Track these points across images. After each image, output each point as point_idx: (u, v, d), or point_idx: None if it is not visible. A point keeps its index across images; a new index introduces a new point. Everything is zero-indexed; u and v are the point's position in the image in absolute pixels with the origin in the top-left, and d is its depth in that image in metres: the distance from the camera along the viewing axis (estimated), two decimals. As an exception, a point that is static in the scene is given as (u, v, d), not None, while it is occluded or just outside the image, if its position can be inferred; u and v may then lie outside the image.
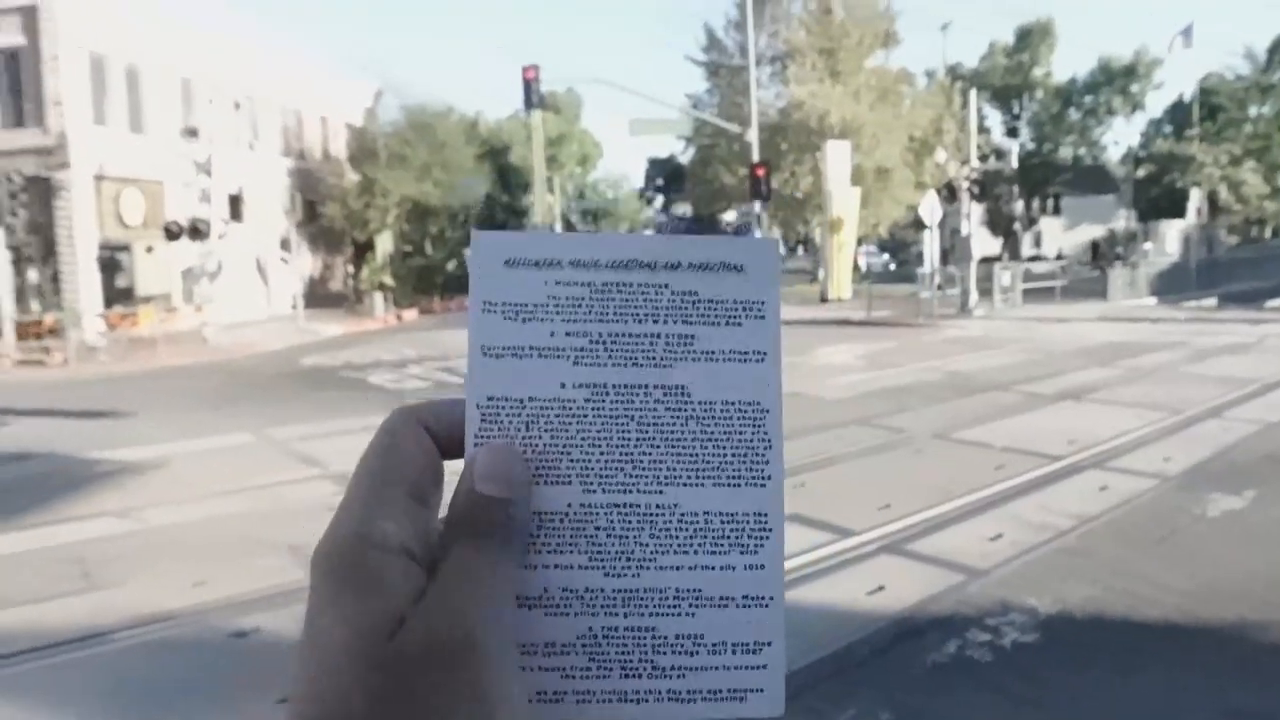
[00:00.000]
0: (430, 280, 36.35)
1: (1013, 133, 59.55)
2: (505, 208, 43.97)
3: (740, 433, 0.50)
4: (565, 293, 0.50)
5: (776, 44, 37.49)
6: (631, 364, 0.50)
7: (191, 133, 26.65)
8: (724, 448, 0.49)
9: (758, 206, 29.98)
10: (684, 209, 74.79)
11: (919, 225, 29.48)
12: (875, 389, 12.94)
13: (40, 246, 26.13)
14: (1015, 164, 48.18)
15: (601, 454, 0.49)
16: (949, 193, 25.42)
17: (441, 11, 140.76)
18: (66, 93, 25.58)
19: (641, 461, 0.49)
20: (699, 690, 0.48)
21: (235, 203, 28.53)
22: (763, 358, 0.51)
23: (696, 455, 0.49)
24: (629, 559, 0.48)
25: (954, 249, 26.35)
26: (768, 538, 0.49)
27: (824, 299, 29.03)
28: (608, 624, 0.48)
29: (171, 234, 25.28)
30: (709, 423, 0.50)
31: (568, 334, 0.50)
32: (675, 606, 0.48)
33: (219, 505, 7.93)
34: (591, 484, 0.49)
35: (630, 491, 0.49)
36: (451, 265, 36.40)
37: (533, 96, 27.92)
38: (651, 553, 0.49)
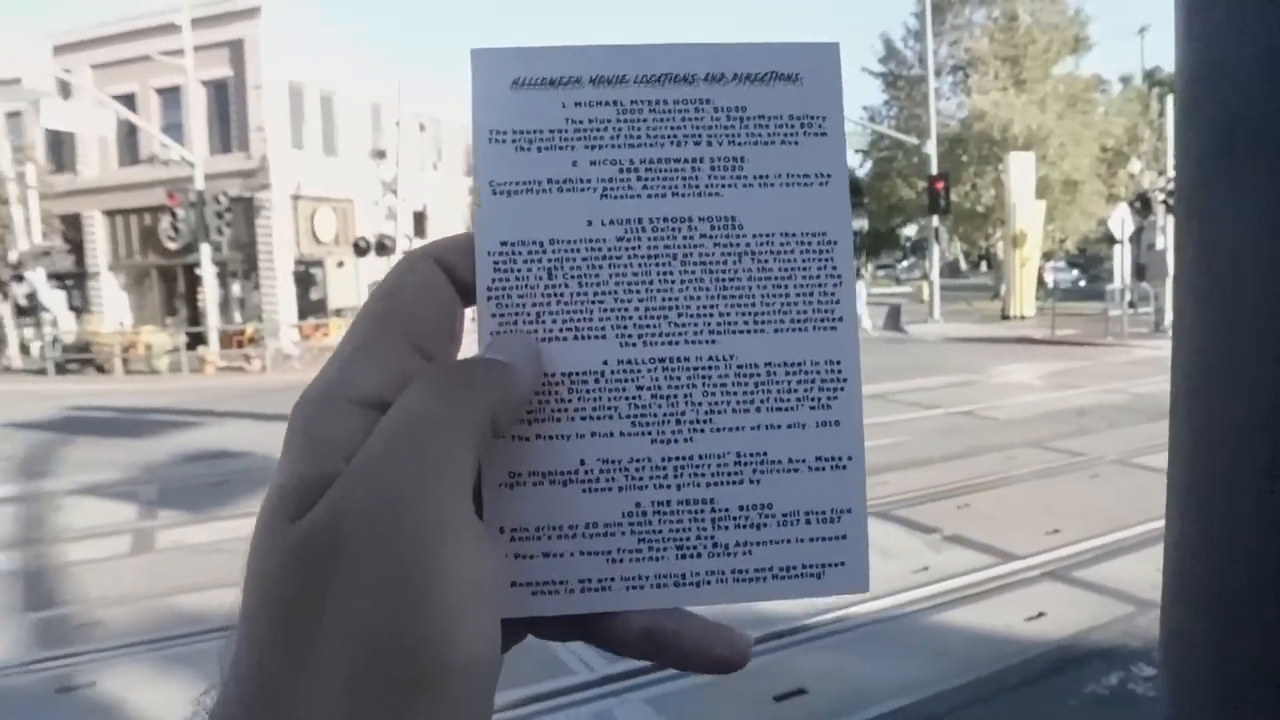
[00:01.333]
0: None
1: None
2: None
3: (804, 268, 0.43)
4: (587, 115, 0.43)
5: (958, 53, 36.38)
6: (671, 193, 0.43)
7: (380, 154, 28.30)
8: (785, 287, 0.43)
9: (936, 220, 29.17)
10: (860, 223, 73.64)
11: (1110, 240, 27.94)
12: (1054, 410, 12.35)
13: (243, 262, 28.32)
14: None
15: (641, 301, 0.42)
16: (1143, 205, 23.97)
17: (624, 31, 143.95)
18: (268, 119, 27.68)
19: (689, 308, 0.43)
20: (769, 568, 0.43)
21: (419, 220, 30.03)
22: (827, 180, 0.44)
23: (754, 296, 0.43)
24: (679, 421, 0.42)
25: (1148, 265, 24.81)
26: (842, 389, 0.44)
27: (1005, 316, 27.90)
28: (658, 498, 0.42)
29: (360, 250, 26.84)
30: (766, 258, 0.43)
31: (592, 163, 0.43)
32: (737, 474, 0.42)
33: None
34: (631, 336, 0.42)
35: (677, 343, 0.42)
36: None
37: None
38: (706, 413, 0.42)
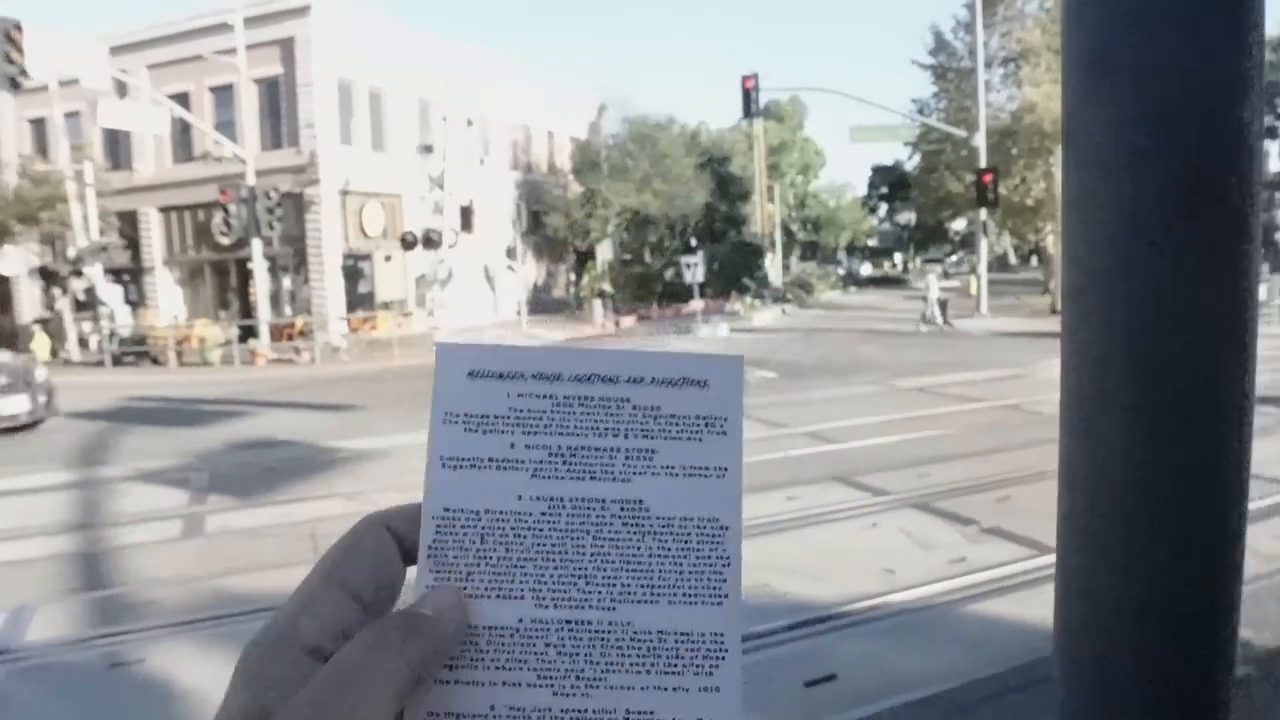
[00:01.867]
0: (648, 288, 37.17)
1: (1271, 133, 54.20)
2: (724, 217, 44.30)
3: (698, 549, 0.49)
4: (526, 405, 0.50)
5: (1009, 44, 35.79)
6: (590, 477, 0.49)
7: (427, 149, 28.57)
8: (681, 564, 0.48)
9: (984, 214, 28.82)
10: (908, 217, 72.84)
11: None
12: (1101, 404, 12.16)
13: (293, 256, 28.76)
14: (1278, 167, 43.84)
15: (555, 568, 0.48)
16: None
17: (665, 26, 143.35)
18: (318, 116, 28.06)
19: (595, 577, 0.48)
20: None
21: (466, 214, 30.31)
22: (724, 473, 0.50)
23: (652, 571, 0.48)
24: (579, 677, 0.47)
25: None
26: (724, 658, 0.47)
27: (1054, 311, 27.46)
28: None
29: (407, 244, 27.14)
30: (666, 538, 0.49)
31: (527, 446, 0.49)
32: None
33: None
34: (544, 599, 0.47)
35: (583, 607, 0.47)
36: (669, 274, 37.06)
37: (752, 105, 28.09)
38: (602, 671, 0.47)
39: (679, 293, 34.38)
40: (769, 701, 4.29)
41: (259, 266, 25.36)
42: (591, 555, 0.48)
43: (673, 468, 0.50)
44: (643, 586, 0.48)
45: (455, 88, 29.06)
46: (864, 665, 4.59)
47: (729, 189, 44.33)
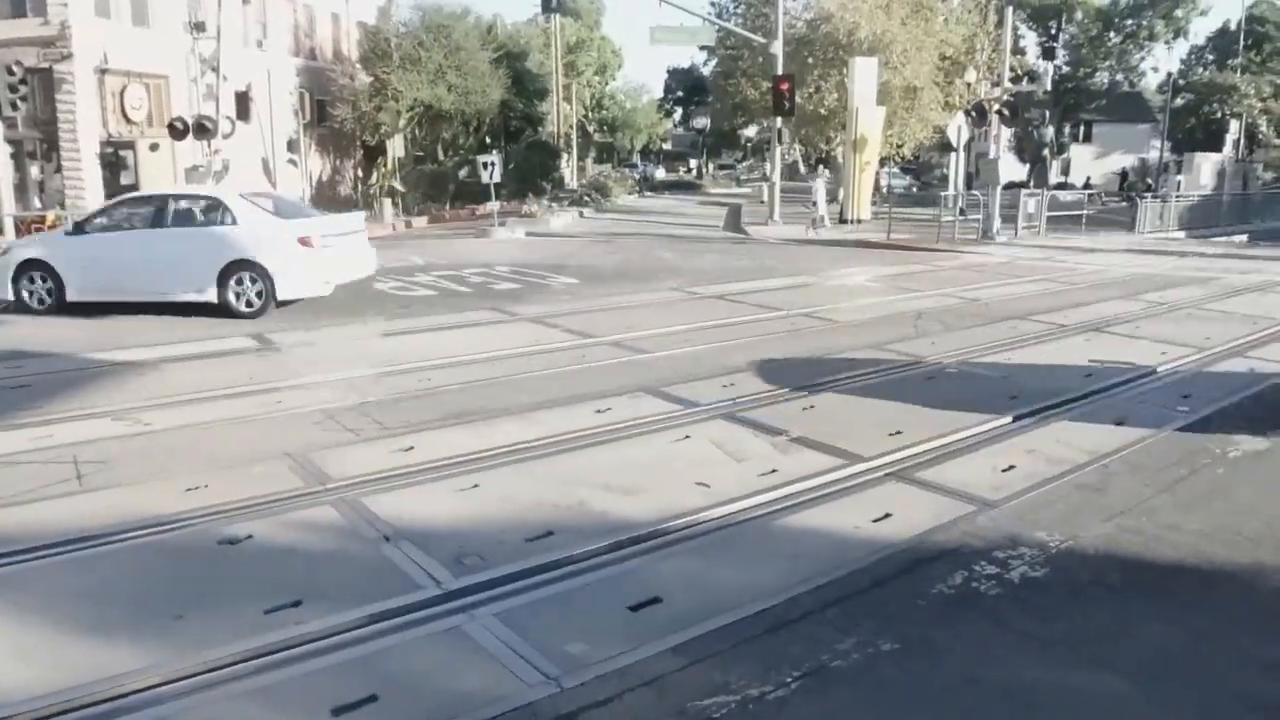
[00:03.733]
0: (441, 187, 35.86)
1: (1048, 54, 57.98)
2: (521, 115, 43.10)
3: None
4: None
5: (808, -49, 36.16)
6: None
7: (198, 27, 25.97)
8: None
9: (779, 122, 29.27)
10: (703, 122, 73.48)
11: (945, 147, 28.78)
12: (891, 313, 12.67)
13: (42, 141, 25.76)
14: (1049, 87, 46.92)
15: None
16: (978, 115, 24.69)
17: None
18: (69, -21, 24.93)
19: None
20: None
21: (243, 101, 27.95)
22: None
23: None
24: None
25: (979, 173, 25.72)
26: None
27: (843, 219, 28.51)
28: None
29: (177, 131, 24.79)
30: None
31: None
32: None
33: (215, 410, 7.78)
34: None
35: None
36: (464, 173, 35.84)
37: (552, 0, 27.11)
38: None
39: (473, 193, 33.28)
40: (593, 626, 4.13)
41: (0, 151, 22.56)
42: None
43: None
44: None
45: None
46: (686, 585, 4.50)
47: (526, 86, 43.05)
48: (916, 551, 4.90)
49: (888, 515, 5.34)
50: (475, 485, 5.80)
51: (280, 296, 12.46)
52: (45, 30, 24.87)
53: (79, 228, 13.45)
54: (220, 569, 4.75)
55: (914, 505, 5.53)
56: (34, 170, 26.15)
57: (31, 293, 12.86)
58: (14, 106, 21.47)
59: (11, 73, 21.17)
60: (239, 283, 12.35)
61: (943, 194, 26.44)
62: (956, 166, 27.66)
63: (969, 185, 28.21)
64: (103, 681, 3.65)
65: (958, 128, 25.60)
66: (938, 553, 4.88)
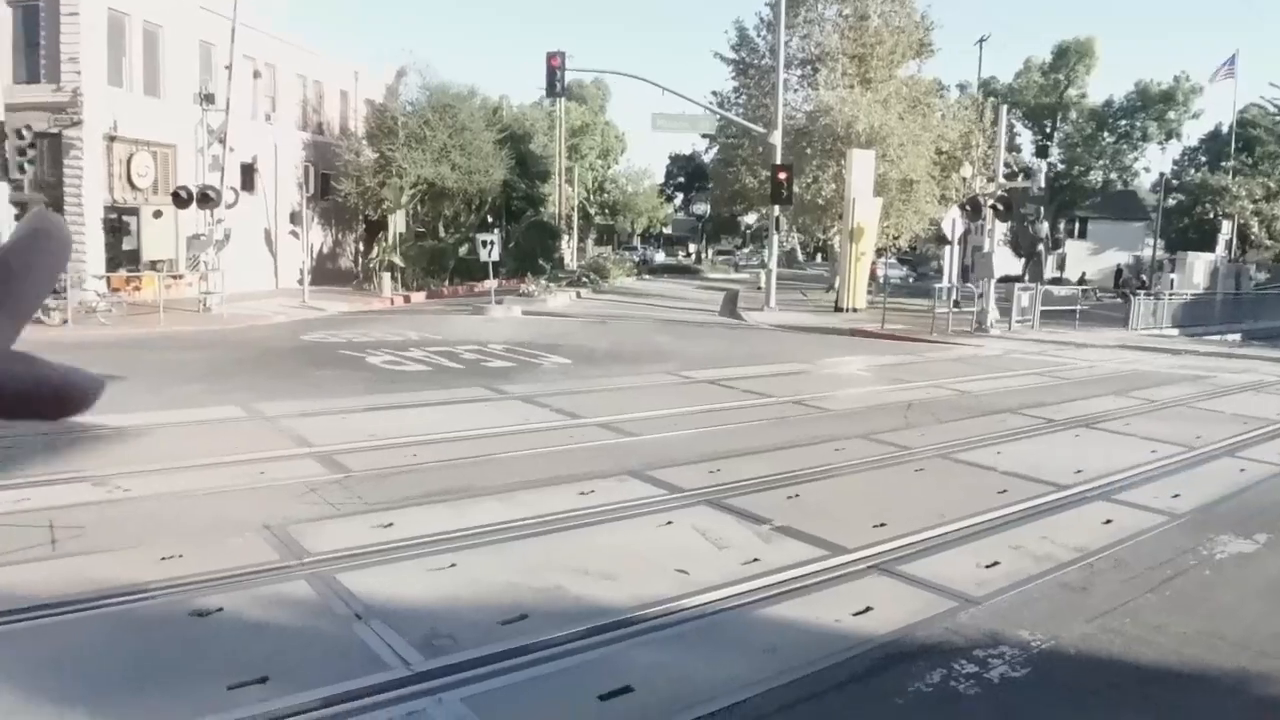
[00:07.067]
0: (440, 263, 36.14)
1: (1043, 152, 59.15)
2: (523, 196, 43.71)
3: None
4: None
5: (809, 46, 37.12)
6: None
7: (208, 99, 26.44)
8: None
9: (777, 210, 29.69)
10: (703, 208, 74.46)
11: (941, 240, 29.13)
12: (882, 403, 12.68)
13: (47, 204, 26.06)
14: (1043, 184, 47.67)
15: None
16: (973, 209, 25.06)
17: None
18: (84, 50, 25.47)
19: None
20: None
21: (248, 172, 28.38)
22: None
23: None
24: None
25: (974, 266, 25.97)
26: None
27: (838, 308, 28.73)
28: None
29: (181, 200, 25.07)
30: None
31: None
32: None
33: (197, 479, 7.73)
34: None
35: None
36: (464, 250, 36.16)
37: (556, 84, 27.72)
38: None
39: (472, 270, 33.55)
40: (561, 715, 4.05)
41: (5, 213, 22.78)
42: None
43: None
44: None
45: (243, 34, 27.02)
46: (659, 674, 4.42)
47: (529, 167, 43.74)
48: (896, 647, 4.83)
49: (868, 609, 5.28)
50: (452, 564, 5.74)
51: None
52: (58, 96, 25.34)
53: None
54: (188, 641, 4.67)
55: (896, 599, 5.46)
56: (37, 233, 26.37)
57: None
58: (21, 169, 21.82)
59: (21, 136, 21.55)
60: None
61: (937, 285, 26.71)
62: (951, 259, 27.97)
63: (964, 278, 28.44)
64: (54, 758, 3.55)
65: (953, 221, 25.95)
66: (918, 649, 4.80)
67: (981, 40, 59.57)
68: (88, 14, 25.48)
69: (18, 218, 24.17)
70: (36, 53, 25.83)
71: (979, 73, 53.25)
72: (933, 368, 16.89)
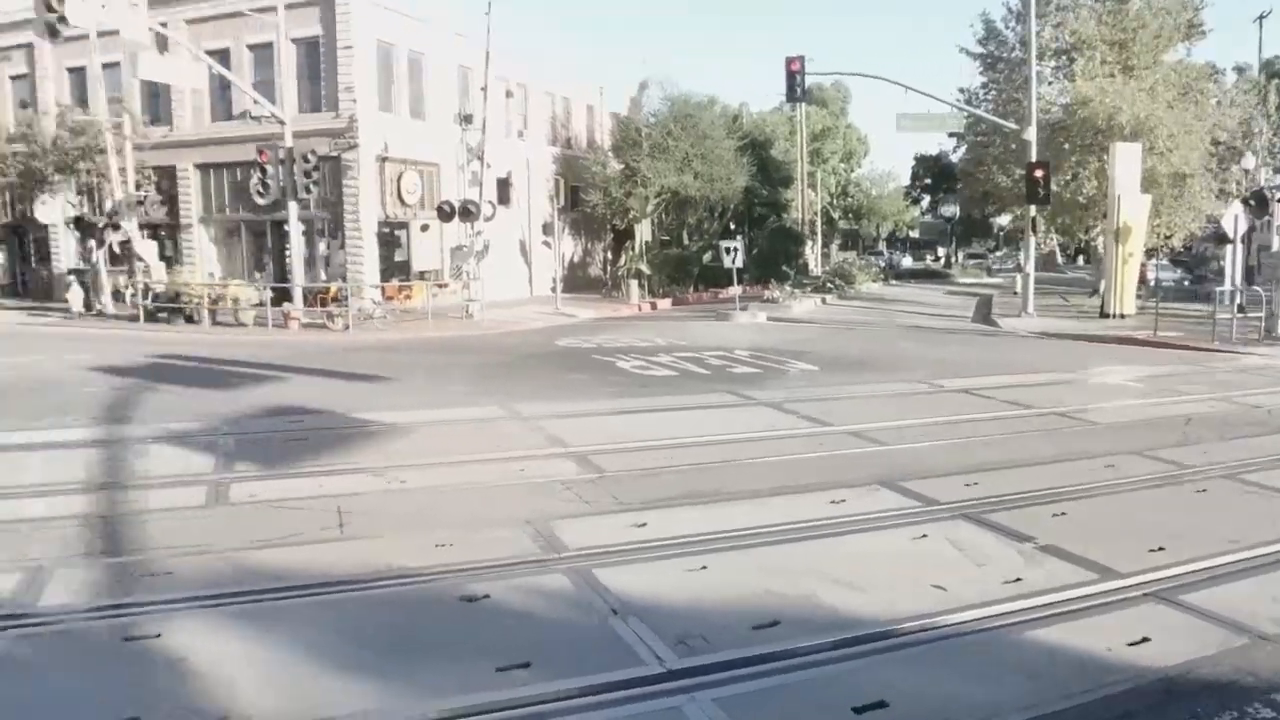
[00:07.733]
0: (685, 270, 36.80)
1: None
2: (765, 202, 43.75)
3: None
4: None
5: (1062, 35, 34.84)
6: None
7: (466, 119, 28.25)
8: None
9: (1033, 210, 28.14)
10: (952, 210, 71.73)
11: (1220, 239, 26.63)
12: (1154, 416, 11.73)
13: (329, 221, 28.65)
14: (1342, 173, 42.63)
15: None
16: (1258, 203, 22.75)
17: (709, 4, 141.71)
18: (357, 79, 27.86)
19: None
20: None
21: (503, 187, 30.02)
22: None
23: None
24: None
25: (1261, 267, 23.57)
26: None
27: (1104, 314, 26.84)
28: None
29: (444, 214, 26.91)
30: None
31: None
32: None
33: (464, 473, 8.26)
34: None
35: None
36: (707, 257, 36.64)
37: (796, 89, 27.52)
38: None
39: (716, 276, 33.95)
40: (814, 726, 4.01)
41: (294, 229, 25.25)
42: None
43: None
44: None
45: (496, 57, 28.65)
46: (915, 692, 4.28)
47: (770, 173, 43.72)
48: (1178, 683, 4.44)
49: (1145, 639, 4.88)
50: (704, 566, 5.81)
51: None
52: (336, 123, 27.85)
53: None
54: (459, 624, 4.99)
55: (1176, 631, 5.03)
56: (320, 246, 29.10)
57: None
58: (308, 190, 24.13)
59: (307, 160, 23.83)
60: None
61: (1218, 289, 24.41)
62: (1234, 259, 25.48)
63: (1249, 280, 25.84)
64: (339, 718, 3.89)
65: (1235, 217, 23.64)
66: (1202, 687, 4.40)
67: (1262, 17, 53.63)
68: (360, 46, 27.87)
69: (304, 233, 26.79)
70: (318, 84, 28.53)
71: (1259, 53, 47.82)
72: (1214, 378, 15.44)
